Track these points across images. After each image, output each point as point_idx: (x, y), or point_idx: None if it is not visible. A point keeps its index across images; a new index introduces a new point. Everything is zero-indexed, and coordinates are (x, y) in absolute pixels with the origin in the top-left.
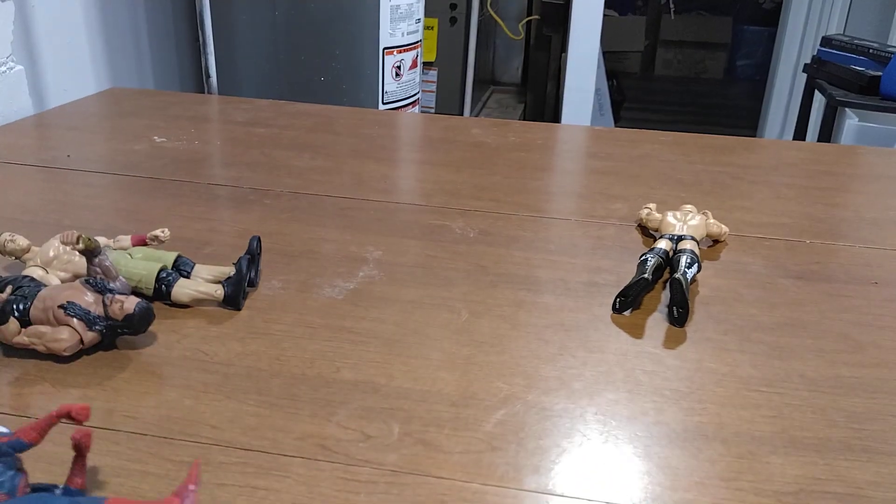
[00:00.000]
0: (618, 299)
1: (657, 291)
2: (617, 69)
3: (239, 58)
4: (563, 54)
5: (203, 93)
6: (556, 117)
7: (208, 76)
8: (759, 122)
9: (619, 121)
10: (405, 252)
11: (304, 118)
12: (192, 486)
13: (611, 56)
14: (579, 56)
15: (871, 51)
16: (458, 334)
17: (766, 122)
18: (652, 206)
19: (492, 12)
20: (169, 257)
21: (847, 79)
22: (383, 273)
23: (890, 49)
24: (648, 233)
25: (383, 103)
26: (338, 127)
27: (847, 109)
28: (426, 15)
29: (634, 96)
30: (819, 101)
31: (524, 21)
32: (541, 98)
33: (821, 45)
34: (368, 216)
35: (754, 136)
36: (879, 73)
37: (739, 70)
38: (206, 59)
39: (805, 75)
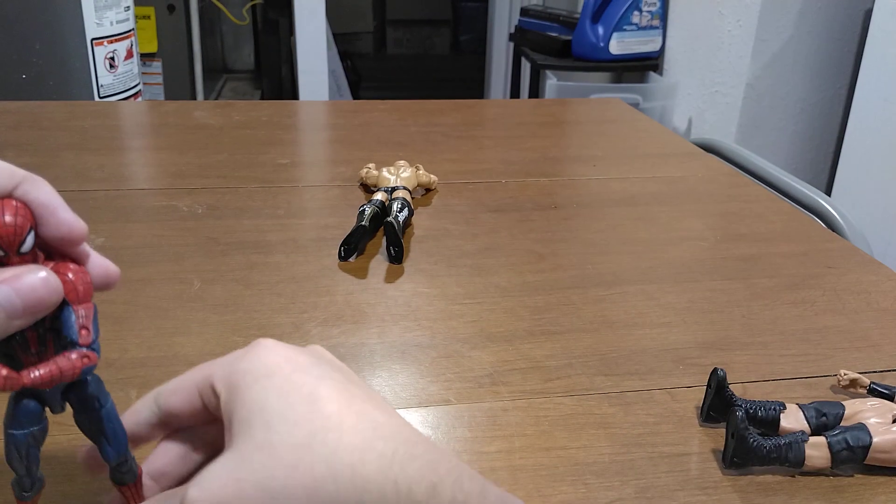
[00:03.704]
0: (342, 248)
1: (378, 238)
2: (350, 50)
3: None
4: (292, 37)
5: None
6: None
7: None
8: (484, 91)
9: (357, 100)
10: (130, 235)
11: (2, 117)
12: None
13: (343, 38)
14: (308, 38)
15: (561, 18)
16: (192, 302)
17: (489, 90)
18: (371, 165)
19: None
20: None
21: (545, 44)
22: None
23: (576, 15)
24: (369, 189)
25: (100, 97)
26: (45, 122)
27: (547, 71)
28: (140, 3)
29: (370, 75)
30: (526, 65)
31: (248, 6)
32: (277, 83)
33: (520, 15)
34: (87, 206)
35: None
36: (570, 38)
37: (463, 44)
38: None
39: (512, 44)
